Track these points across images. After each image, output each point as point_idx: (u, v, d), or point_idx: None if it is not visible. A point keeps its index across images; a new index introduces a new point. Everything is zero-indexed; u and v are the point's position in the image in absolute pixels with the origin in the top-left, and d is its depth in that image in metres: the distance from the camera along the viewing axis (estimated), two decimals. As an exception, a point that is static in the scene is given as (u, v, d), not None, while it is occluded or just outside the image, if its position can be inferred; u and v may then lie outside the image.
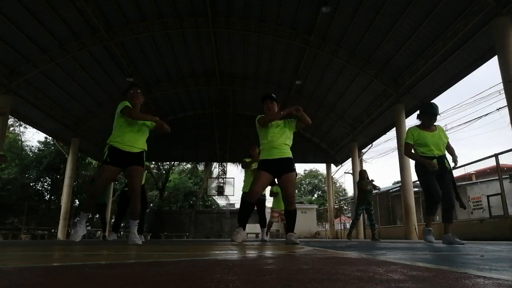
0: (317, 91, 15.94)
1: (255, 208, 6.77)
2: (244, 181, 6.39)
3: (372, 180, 8.54)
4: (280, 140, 4.04)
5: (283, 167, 3.99)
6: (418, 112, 4.54)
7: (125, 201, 6.76)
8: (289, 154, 4.09)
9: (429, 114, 4.37)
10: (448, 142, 4.41)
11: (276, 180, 4.15)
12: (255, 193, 4.01)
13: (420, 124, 4.46)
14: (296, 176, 4.28)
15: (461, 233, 8.64)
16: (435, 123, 4.45)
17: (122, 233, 25.06)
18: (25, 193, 22.71)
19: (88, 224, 23.96)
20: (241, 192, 6.46)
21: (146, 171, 4.08)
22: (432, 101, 4.90)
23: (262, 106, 4.22)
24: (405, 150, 4.49)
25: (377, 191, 8.50)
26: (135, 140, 3.85)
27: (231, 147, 19.41)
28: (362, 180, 8.46)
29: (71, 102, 14.85)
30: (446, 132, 4.55)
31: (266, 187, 4.11)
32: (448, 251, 2.44)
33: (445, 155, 4.32)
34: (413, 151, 4.43)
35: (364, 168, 8.18)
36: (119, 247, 3.08)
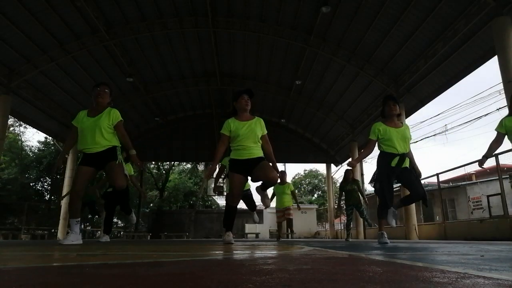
0: (317, 91, 15.93)
1: (244, 202, 6.76)
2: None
3: (355, 179, 8.49)
4: (248, 144, 3.96)
5: (253, 165, 3.91)
6: (381, 108, 4.52)
7: (110, 202, 6.71)
8: (258, 154, 3.98)
9: (387, 101, 4.38)
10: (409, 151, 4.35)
11: (250, 178, 4.08)
12: (236, 196, 4.04)
13: (384, 119, 4.43)
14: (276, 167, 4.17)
15: (461, 233, 8.65)
16: (402, 122, 4.45)
17: (122, 233, 25.06)
18: (25, 193, 22.68)
19: (88, 224, 23.94)
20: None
21: (127, 163, 4.09)
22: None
23: (236, 100, 4.07)
24: (366, 146, 4.46)
25: (360, 187, 8.41)
26: (94, 141, 3.86)
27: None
28: (345, 181, 8.39)
29: (71, 102, 14.84)
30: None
31: (244, 187, 4.19)
32: (448, 251, 2.44)
33: (407, 153, 4.29)
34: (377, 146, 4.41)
35: (349, 168, 8.04)
36: (119, 247, 3.08)
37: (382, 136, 4.27)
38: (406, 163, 4.21)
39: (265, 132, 4.06)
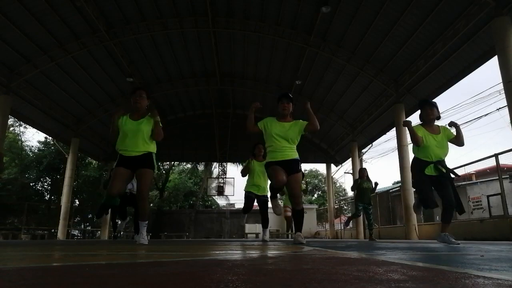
0: (317, 91, 15.94)
1: (259, 208, 6.78)
2: (247, 181, 6.41)
3: (369, 178, 8.51)
4: (281, 144, 4.05)
5: (289, 168, 4.01)
6: (419, 112, 4.36)
7: (124, 202, 6.89)
8: (293, 155, 4.07)
9: (423, 106, 4.23)
10: (457, 130, 4.13)
11: None
12: (280, 181, 3.90)
13: (423, 123, 4.27)
14: (303, 177, 4.29)
15: (461, 233, 8.64)
16: (439, 124, 4.26)
17: (122, 233, 25.03)
18: (25, 193, 22.68)
19: (88, 224, 23.93)
20: (242, 192, 6.47)
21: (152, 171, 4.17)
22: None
23: (277, 105, 4.21)
24: (416, 141, 4.11)
25: (373, 187, 8.42)
26: (134, 145, 3.88)
27: (231, 147, 19.41)
28: (361, 178, 8.41)
29: (71, 102, 14.84)
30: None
31: (284, 175, 4.00)
32: (448, 251, 2.44)
33: (443, 160, 4.15)
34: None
35: (364, 167, 8.11)
36: (119, 247, 3.08)
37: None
38: (443, 170, 4.08)
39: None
